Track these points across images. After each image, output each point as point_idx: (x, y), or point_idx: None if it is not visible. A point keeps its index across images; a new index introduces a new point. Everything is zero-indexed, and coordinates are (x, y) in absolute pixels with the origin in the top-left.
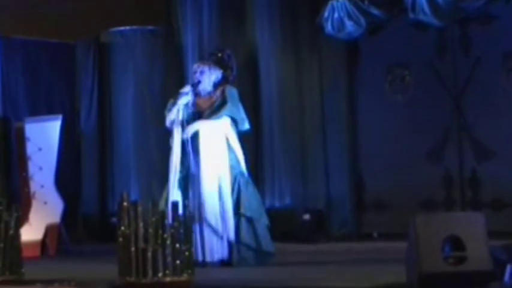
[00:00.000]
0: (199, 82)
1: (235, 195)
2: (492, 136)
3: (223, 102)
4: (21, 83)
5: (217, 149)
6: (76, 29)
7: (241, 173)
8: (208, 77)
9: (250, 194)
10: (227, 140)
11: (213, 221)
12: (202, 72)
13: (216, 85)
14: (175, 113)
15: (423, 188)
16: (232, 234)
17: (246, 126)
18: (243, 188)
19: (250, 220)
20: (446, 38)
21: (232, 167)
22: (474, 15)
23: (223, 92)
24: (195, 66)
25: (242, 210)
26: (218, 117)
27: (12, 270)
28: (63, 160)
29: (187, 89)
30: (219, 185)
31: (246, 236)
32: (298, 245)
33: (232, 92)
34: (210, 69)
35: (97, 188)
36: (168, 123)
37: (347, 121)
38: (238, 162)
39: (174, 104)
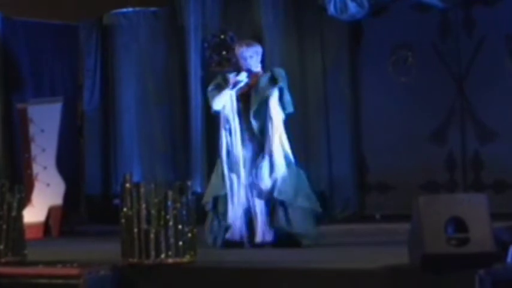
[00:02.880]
0: (249, 70)
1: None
2: (495, 118)
3: (269, 82)
4: (23, 64)
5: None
6: (79, 11)
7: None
8: (257, 60)
9: (286, 177)
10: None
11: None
12: (251, 57)
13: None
14: (228, 99)
15: (426, 169)
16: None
17: (291, 108)
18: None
19: (282, 204)
20: (449, 19)
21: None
22: None
23: (271, 73)
24: (242, 50)
25: (275, 194)
26: (270, 94)
27: (15, 251)
28: (64, 142)
29: (243, 76)
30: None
31: (280, 219)
32: None
33: (281, 72)
34: (257, 52)
35: (100, 169)
36: (216, 106)
37: (350, 102)
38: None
39: (222, 87)
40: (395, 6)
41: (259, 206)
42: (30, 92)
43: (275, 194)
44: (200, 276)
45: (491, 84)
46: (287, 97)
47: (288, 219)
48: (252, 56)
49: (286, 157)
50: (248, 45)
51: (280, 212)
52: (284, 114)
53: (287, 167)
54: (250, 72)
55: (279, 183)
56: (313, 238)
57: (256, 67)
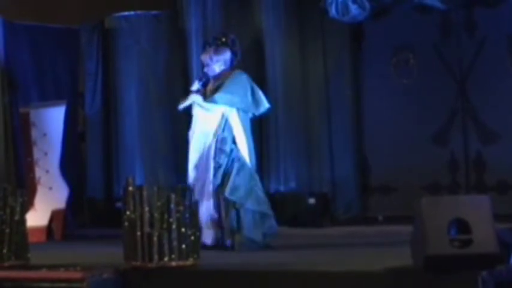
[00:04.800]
0: (204, 77)
1: (226, 179)
2: (497, 119)
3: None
4: (25, 68)
5: (208, 129)
6: (80, 14)
7: (237, 158)
8: (215, 65)
9: (239, 180)
10: (226, 121)
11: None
12: (207, 65)
13: (229, 66)
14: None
15: (428, 171)
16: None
17: (259, 110)
18: (234, 173)
19: (233, 205)
20: (451, 21)
21: (229, 151)
22: None
23: (225, 78)
24: (202, 59)
25: (226, 194)
26: (211, 101)
27: (18, 255)
28: (66, 145)
29: (195, 86)
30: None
31: (232, 219)
32: (304, 229)
33: (235, 78)
34: (211, 59)
35: (102, 173)
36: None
37: (352, 104)
38: (235, 146)
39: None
40: (397, 8)
41: (210, 207)
42: (31, 95)
43: (226, 194)
44: (203, 279)
45: (492, 85)
46: (237, 102)
47: (239, 222)
48: (208, 64)
49: (240, 158)
50: (204, 54)
51: (233, 214)
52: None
53: (241, 168)
54: (202, 80)
55: (231, 183)
56: (259, 243)
57: (218, 69)
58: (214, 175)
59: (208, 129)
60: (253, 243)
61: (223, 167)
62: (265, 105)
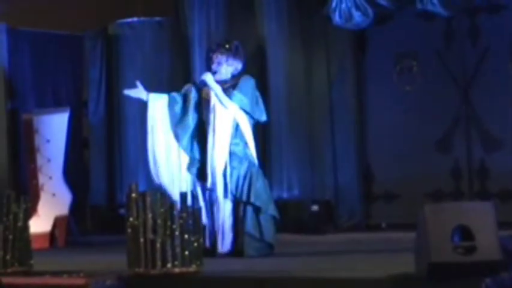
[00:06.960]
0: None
1: (246, 185)
2: (500, 126)
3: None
4: (28, 74)
5: (225, 130)
6: (84, 21)
7: (253, 163)
8: (225, 68)
9: (260, 185)
10: (237, 125)
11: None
12: (219, 63)
13: (234, 76)
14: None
15: (432, 178)
16: (227, 224)
17: (262, 118)
18: (254, 178)
19: (257, 210)
20: (454, 27)
21: (243, 156)
22: (482, 4)
23: (237, 80)
24: (214, 56)
25: (252, 200)
26: (228, 96)
27: (21, 261)
28: (70, 152)
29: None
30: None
31: (250, 225)
32: (307, 236)
33: (246, 81)
34: (227, 60)
35: (105, 179)
36: None
37: (355, 111)
38: (248, 150)
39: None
40: (400, 15)
41: (228, 212)
42: (35, 102)
43: (252, 200)
44: (206, 286)
45: (496, 92)
46: (250, 106)
47: (259, 227)
48: (220, 63)
49: (255, 163)
50: (220, 53)
51: (252, 219)
52: (251, 121)
53: (258, 173)
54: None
55: (253, 189)
56: (272, 248)
57: (224, 74)
58: (230, 180)
59: (221, 132)
60: (270, 248)
61: (237, 171)
62: (264, 116)
